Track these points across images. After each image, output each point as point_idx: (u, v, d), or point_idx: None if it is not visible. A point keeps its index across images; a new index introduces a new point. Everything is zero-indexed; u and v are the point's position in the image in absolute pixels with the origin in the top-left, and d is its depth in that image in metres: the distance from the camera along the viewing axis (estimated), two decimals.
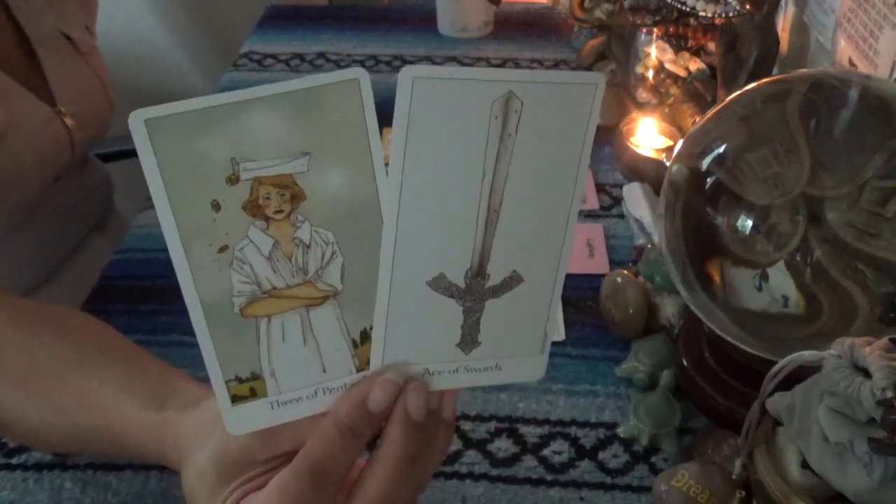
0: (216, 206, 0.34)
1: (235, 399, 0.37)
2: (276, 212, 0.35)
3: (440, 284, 0.38)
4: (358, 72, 0.34)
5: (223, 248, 0.35)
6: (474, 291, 0.38)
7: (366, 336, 0.38)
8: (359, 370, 0.39)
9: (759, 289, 0.56)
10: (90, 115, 0.86)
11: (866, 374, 0.43)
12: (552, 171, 0.37)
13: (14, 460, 0.64)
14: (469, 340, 0.39)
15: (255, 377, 0.37)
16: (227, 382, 0.37)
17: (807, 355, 0.46)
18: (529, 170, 0.37)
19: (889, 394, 0.41)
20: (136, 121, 0.32)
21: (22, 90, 0.78)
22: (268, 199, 0.35)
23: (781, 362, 0.48)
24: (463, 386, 0.40)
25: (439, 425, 0.40)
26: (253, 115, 0.33)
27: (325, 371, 0.38)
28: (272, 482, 0.37)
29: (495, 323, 0.39)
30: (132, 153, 1.17)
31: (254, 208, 0.35)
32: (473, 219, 0.37)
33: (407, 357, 0.39)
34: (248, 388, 0.37)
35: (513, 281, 0.39)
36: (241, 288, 0.36)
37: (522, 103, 0.35)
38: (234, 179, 0.34)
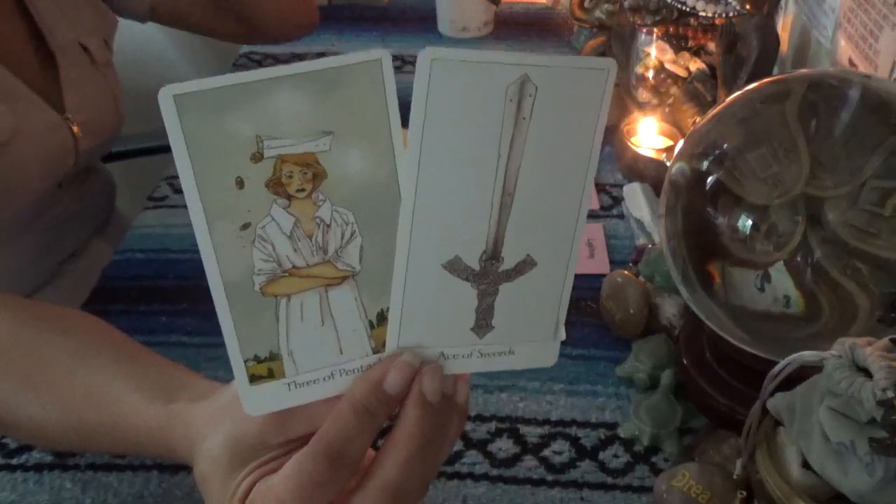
0: (240, 184, 0.34)
1: (254, 379, 0.37)
2: (298, 190, 0.35)
3: (456, 267, 0.38)
4: (381, 52, 0.34)
5: (245, 226, 0.35)
6: (489, 275, 0.38)
7: (382, 318, 0.38)
8: (375, 352, 0.38)
9: (762, 289, 0.56)
10: (98, 124, 0.87)
11: (867, 374, 0.43)
12: (565, 155, 0.37)
13: (14, 461, 0.64)
14: (483, 324, 0.39)
15: (274, 357, 0.37)
16: (245, 362, 0.37)
17: (807, 355, 0.46)
18: (543, 154, 0.37)
19: (890, 394, 0.41)
20: (166, 96, 0.32)
21: (32, 95, 0.78)
22: (290, 177, 0.35)
23: (782, 362, 0.48)
24: (476, 370, 0.40)
25: (453, 410, 0.40)
26: (278, 93, 0.33)
27: (341, 352, 0.38)
28: (287, 464, 0.37)
29: (509, 307, 0.39)
30: (131, 154, 1.16)
31: (276, 186, 0.35)
32: (489, 202, 0.37)
33: (422, 340, 0.39)
34: (266, 369, 0.37)
35: (526, 265, 0.39)
36: (261, 266, 0.36)
37: (537, 87, 0.35)
38: (258, 157, 0.34)
